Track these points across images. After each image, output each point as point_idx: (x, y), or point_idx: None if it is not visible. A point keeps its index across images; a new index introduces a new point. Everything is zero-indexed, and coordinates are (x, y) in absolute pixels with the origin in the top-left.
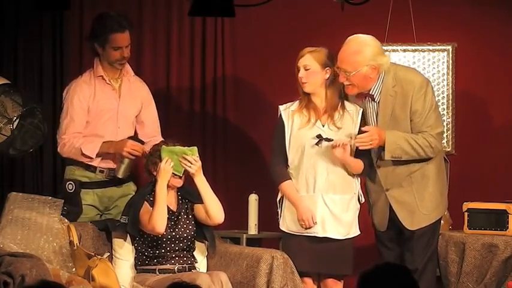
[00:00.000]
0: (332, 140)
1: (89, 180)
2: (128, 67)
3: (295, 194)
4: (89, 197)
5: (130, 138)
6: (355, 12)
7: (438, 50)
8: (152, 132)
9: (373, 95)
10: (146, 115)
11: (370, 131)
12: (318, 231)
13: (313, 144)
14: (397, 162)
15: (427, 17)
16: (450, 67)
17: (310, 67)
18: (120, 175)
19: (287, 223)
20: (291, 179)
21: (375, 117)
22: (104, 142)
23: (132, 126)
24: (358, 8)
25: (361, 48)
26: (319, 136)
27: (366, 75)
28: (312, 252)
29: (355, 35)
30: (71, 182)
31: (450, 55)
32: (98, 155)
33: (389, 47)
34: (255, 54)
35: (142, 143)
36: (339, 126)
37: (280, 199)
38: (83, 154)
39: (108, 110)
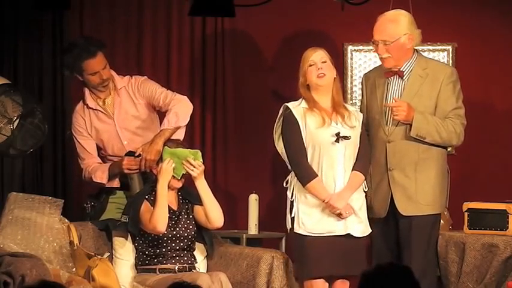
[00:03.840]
0: (349, 137)
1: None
2: (115, 81)
3: (326, 191)
4: (119, 196)
5: (129, 153)
6: (355, 12)
7: (438, 50)
8: (166, 99)
9: (403, 72)
10: (152, 98)
11: (400, 102)
12: (339, 230)
13: (333, 141)
14: (409, 144)
15: (427, 17)
16: None
17: (327, 60)
18: (137, 191)
19: (306, 226)
20: (317, 176)
21: (399, 94)
22: (110, 165)
23: (141, 131)
24: (358, 8)
25: (398, 18)
26: (338, 134)
27: (404, 45)
28: (331, 254)
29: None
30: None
31: (450, 55)
32: (110, 178)
33: None
34: (255, 53)
35: (138, 155)
36: (350, 125)
37: (292, 201)
38: (95, 182)
39: (105, 131)
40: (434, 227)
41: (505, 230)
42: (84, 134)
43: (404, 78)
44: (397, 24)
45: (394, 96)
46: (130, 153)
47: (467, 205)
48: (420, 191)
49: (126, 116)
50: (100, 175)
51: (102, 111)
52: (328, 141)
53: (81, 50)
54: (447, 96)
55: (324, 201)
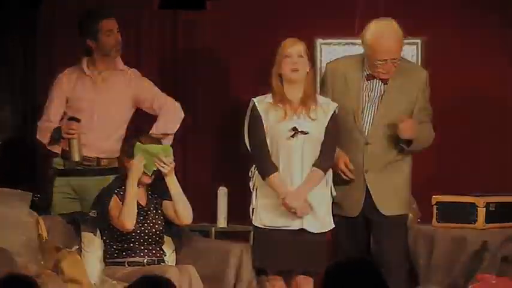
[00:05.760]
0: (307, 132)
1: (64, 167)
2: (117, 61)
3: (284, 187)
4: (62, 185)
5: (70, 118)
6: (325, 6)
7: (407, 44)
8: (158, 102)
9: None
10: (145, 94)
11: (410, 122)
12: (294, 224)
13: (289, 136)
14: (387, 146)
15: (397, 10)
16: (419, 61)
17: (303, 55)
18: (75, 158)
19: (260, 217)
20: (277, 170)
21: (379, 97)
22: (54, 128)
23: (115, 115)
24: (329, 1)
25: (398, 33)
26: (294, 129)
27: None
28: (286, 248)
29: (378, 23)
30: (51, 169)
31: (419, 49)
32: (52, 142)
33: (359, 40)
34: (224, 47)
35: (78, 120)
36: (313, 118)
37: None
38: (38, 140)
39: (85, 100)
40: (406, 223)
41: (474, 223)
42: (60, 97)
43: (387, 82)
44: (401, 40)
45: (368, 99)
46: (73, 119)
47: (436, 198)
48: (399, 191)
49: (110, 95)
50: (43, 134)
51: (91, 79)
52: (285, 135)
53: (97, 13)
54: (425, 102)
55: (280, 198)
